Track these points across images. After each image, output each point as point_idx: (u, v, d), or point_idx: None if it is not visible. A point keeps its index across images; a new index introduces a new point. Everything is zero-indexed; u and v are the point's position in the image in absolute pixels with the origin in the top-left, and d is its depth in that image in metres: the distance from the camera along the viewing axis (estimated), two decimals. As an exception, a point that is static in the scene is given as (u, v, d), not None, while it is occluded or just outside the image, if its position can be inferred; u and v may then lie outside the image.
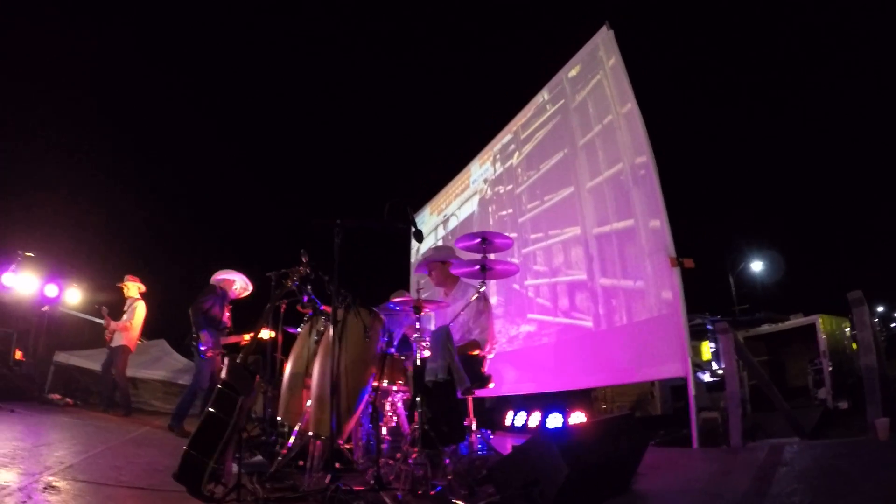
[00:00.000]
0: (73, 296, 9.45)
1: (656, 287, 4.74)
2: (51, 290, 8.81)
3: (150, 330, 10.59)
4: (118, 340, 7.60)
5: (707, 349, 8.52)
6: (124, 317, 7.70)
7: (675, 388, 6.75)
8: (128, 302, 7.81)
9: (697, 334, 8.18)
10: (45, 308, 9.29)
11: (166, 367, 9.57)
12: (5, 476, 2.91)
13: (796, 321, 7.26)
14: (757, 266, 18.80)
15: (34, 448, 4.00)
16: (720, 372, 7.25)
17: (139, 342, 8.33)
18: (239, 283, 6.20)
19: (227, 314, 6.04)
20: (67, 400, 8.32)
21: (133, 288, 7.85)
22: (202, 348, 5.66)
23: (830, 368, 6.34)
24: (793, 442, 4.07)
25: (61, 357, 9.91)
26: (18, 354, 16.09)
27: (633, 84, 5.23)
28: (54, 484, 2.85)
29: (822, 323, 6.64)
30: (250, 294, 6.35)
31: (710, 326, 8.36)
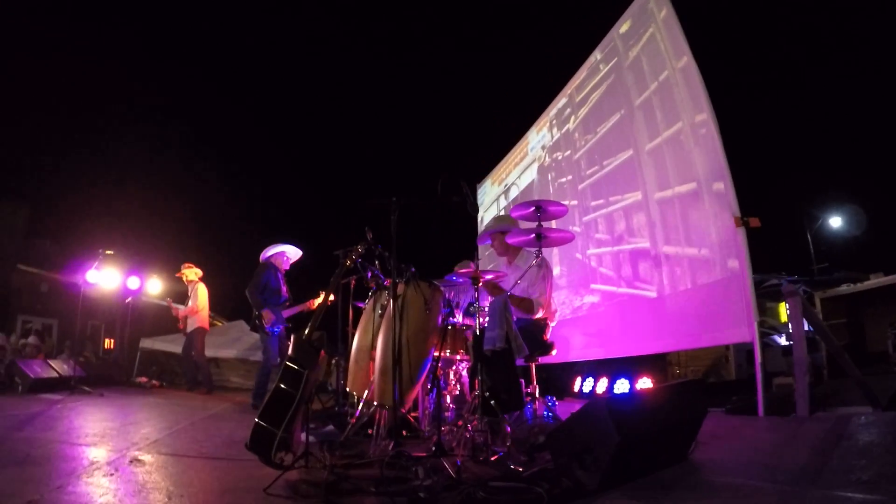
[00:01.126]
0: (155, 286, 9.99)
1: (721, 251, 4.58)
2: (133, 283, 9.37)
3: (229, 311, 11.16)
4: (192, 325, 8.10)
5: (784, 311, 8.15)
6: (189, 302, 8.19)
7: (750, 353, 6.53)
8: (189, 287, 8.29)
9: (774, 295, 7.83)
10: (129, 299, 9.85)
11: (245, 345, 9.95)
12: (95, 453, 3.16)
13: (877, 281, 6.87)
14: (836, 222, 17.67)
15: (122, 427, 4.29)
16: (799, 334, 6.95)
17: (216, 323, 8.82)
18: (288, 253, 6.29)
19: (284, 287, 6.16)
20: (154, 382, 8.92)
21: (191, 273, 8.31)
22: (267, 327, 5.83)
23: (911, 332, 5.98)
24: (863, 413, 3.89)
25: (146, 343, 10.54)
26: (108, 343, 17.37)
27: (689, 36, 5.01)
28: (140, 458, 3.07)
29: (904, 282, 6.26)
30: (301, 260, 6.46)
31: (785, 286, 7.99)
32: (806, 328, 4.53)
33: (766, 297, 7.48)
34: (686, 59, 4.95)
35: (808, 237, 16.78)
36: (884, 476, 2.38)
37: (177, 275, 8.46)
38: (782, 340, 7.46)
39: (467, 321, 4.01)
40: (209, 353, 8.68)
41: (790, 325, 4.73)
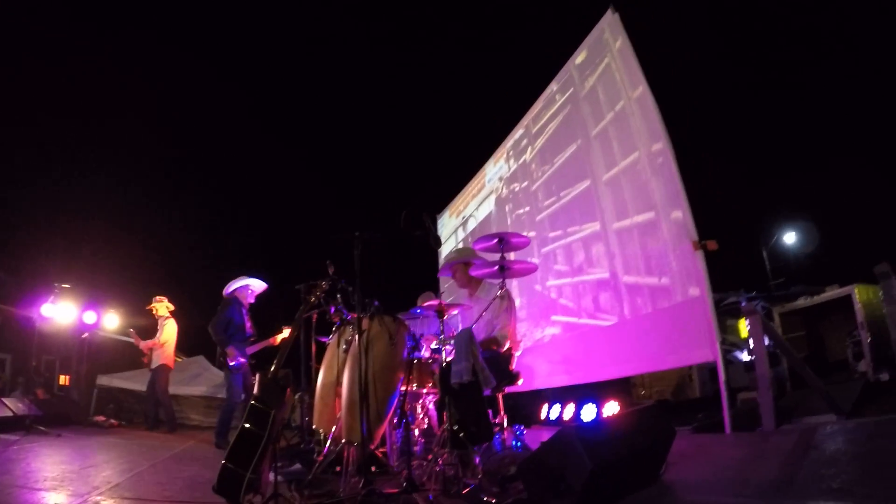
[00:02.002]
0: (112, 320, 9.73)
1: (681, 275, 4.67)
2: (89, 317, 9.10)
3: (189, 347, 10.90)
4: (156, 360, 7.87)
5: (744, 327, 8.35)
6: (156, 336, 7.95)
7: (713, 371, 6.66)
8: (159, 322, 8.05)
9: (734, 312, 8.02)
10: (85, 335, 9.56)
11: (206, 382, 9.75)
12: (55, 499, 3.04)
13: (832, 293, 7.10)
14: (790, 238, 18.30)
15: (81, 470, 4.14)
16: (759, 351, 7.14)
17: (178, 359, 8.57)
18: (252, 286, 6.17)
19: (248, 322, 6.04)
20: (112, 421, 8.57)
21: (161, 307, 8.08)
22: (231, 364, 5.71)
23: (869, 340, 6.20)
24: (827, 422, 4.01)
25: (104, 380, 10.19)
26: (63, 380, 16.69)
27: (643, 66, 5.11)
28: (102, 503, 2.97)
29: (858, 293, 6.48)
30: (265, 293, 6.33)
31: (745, 304, 8.22)
32: (767, 343, 4.65)
33: (726, 314, 7.64)
34: (641, 89, 5.05)
35: (764, 254, 17.33)
36: (854, 482, 2.45)
37: (147, 307, 8.20)
38: (744, 356, 7.63)
39: (433, 355, 4.00)
40: (169, 389, 8.41)
41: (751, 342, 4.85)
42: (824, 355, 7.14)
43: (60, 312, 8.36)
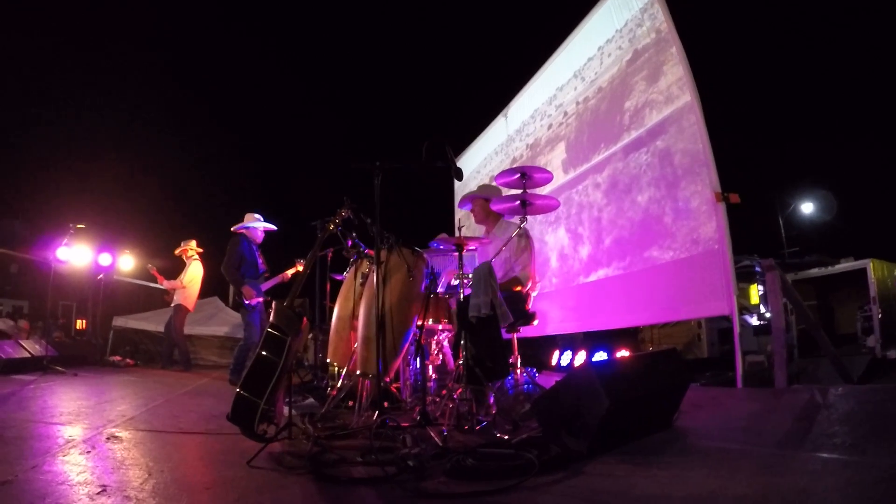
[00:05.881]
0: (127, 262, 9.80)
1: (701, 224, 4.60)
2: (104, 259, 9.17)
3: (205, 291, 11.06)
4: (176, 299, 7.95)
5: (755, 292, 8.30)
6: (180, 276, 8.02)
7: (723, 331, 6.66)
8: (187, 263, 8.11)
9: (746, 277, 7.97)
10: (101, 277, 9.65)
11: (221, 322, 9.91)
12: (71, 431, 3.07)
13: (846, 265, 7.05)
14: (807, 207, 18.03)
15: (97, 405, 4.20)
16: (768, 316, 7.10)
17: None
18: (261, 224, 6.14)
19: (260, 259, 6.04)
20: (128, 361, 8.75)
21: (190, 249, 8.13)
22: (248, 303, 5.75)
23: (880, 316, 6.15)
24: (839, 386, 3.99)
25: (119, 321, 10.37)
26: (80, 324, 17.01)
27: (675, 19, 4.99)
28: (117, 434, 3.00)
29: (872, 268, 6.42)
30: (280, 231, 6.33)
31: (758, 269, 8.13)
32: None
33: (737, 278, 7.65)
34: (666, 27, 5.00)
35: (780, 222, 17.13)
36: (866, 440, 2.43)
37: (175, 252, 8.25)
38: (753, 321, 7.61)
39: (449, 290, 3.97)
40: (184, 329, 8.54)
41: (769, 299, 4.81)
42: (833, 327, 7.11)
43: (76, 255, 8.42)
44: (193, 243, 8.22)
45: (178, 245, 8.23)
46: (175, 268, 8.24)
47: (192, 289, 8.03)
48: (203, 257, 8.25)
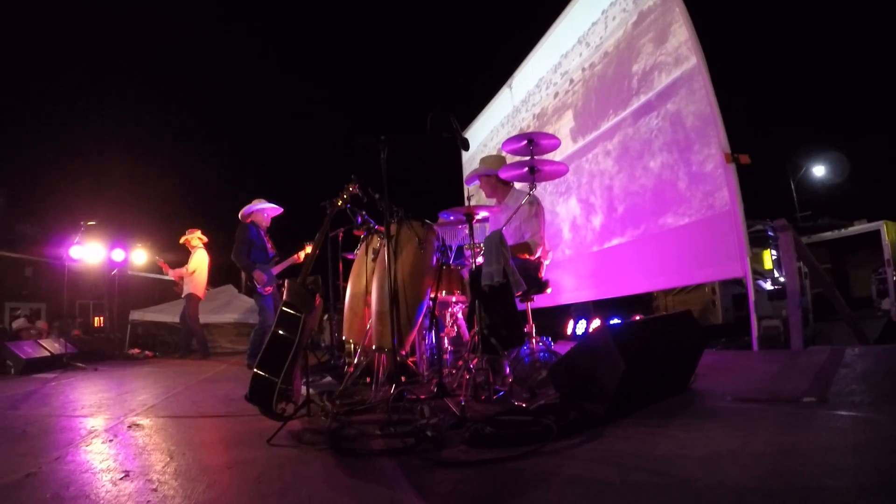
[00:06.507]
0: (140, 257, 9.88)
1: (717, 188, 4.56)
2: (117, 255, 9.21)
3: (219, 279, 11.16)
4: (187, 289, 8.05)
5: (768, 257, 8.24)
6: (186, 265, 8.12)
7: (737, 297, 6.62)
8: (192, 252, 8.20)
9: (758, 241, 7.89)
10: (115, 272, 9.73)
11: (236, 309, 9.98)
12: (93, 422, 3.11)
13: (860, 227, 6.96)
14: (819, 170, 17.77)
15: (118, 396, 4.25)
16: (782, 280, 7.05)
17: (208, 290, 8.76)
18: (266, 209, 6.13)
19: (269, 244, 6.06)
20: (147, 353, 8.85)
21: (194, 238, 8.21)
22: (260, 289, 5.76)
23: (895, 278, 6.07)
24: (855, 347, 3.96)
25: (136, 315, 10.48)
26: (98, 321, 17.23)
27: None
28: (138, 422, 3.04)
29: (886, 229, 6.32)
30: (288, 214, 6.33)
31: (770, 233, 8.06)
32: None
33: (750, 243, 7.61)
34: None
35: (792, 185, 16.92)
36: (886, 399, 2.43)
37: (180, 241, 8.33)
38: (767, 285, 7.56)
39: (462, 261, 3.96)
40: (200, 318, 8.63)
41: (783, 260, 4.77)
42: (847, 290, 7.05)
43: (89, 253, 8.49)
44: (198, 233, 8.30)
45: (187, 234, 8.31)
46: (185, 260, 8.33)
47: (199, 277, 8.13)
48: (208, 246, 8.34)
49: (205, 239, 8.30)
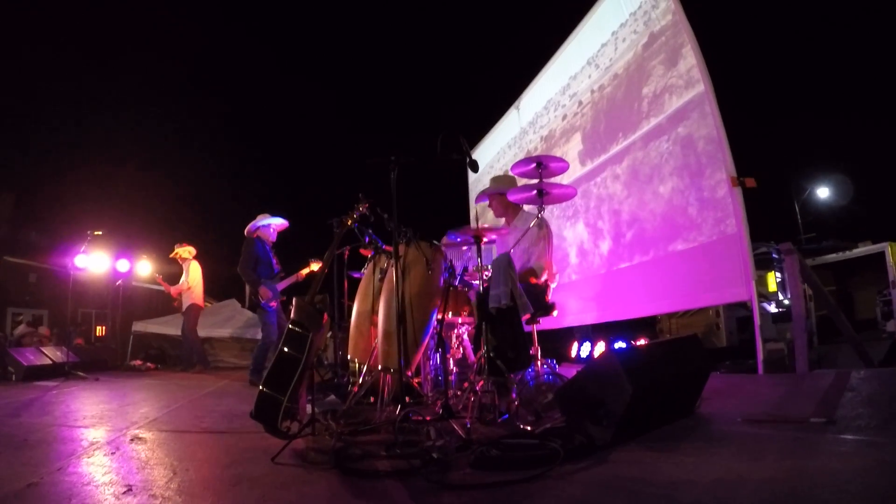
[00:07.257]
0: (144, 268, 9.91)
1: (719, 212, 4.56)
2: (122, 265, 9.29)
3: (222, 293, 11.17)
4: (186, 302, 8.12)
5: (773, 280, 8.21)
6: (181, 279, 8.17)
7: (741, 320, 6.59)
8: (184, 266, 8.29)
9: (763, 264, 7.87)
10: (119, 283, 9.79)
11: (238, 324, 9.96)
12: (94, 434, 3.10)
13: (864, 249, 6.93)
14: (823, 192, 17.78)
15: (120, 408, 4.24)
16: (786, 303, 7.02)
17: (208, 304, 8.80)
18: (273, 224, 6.13)
19: (274, 259, 6.06)
20: (149, 365, 8.85)
21: (184, 252, 8.31)
22: (265, 304, 5.75)
23: (900, 300, 6.05)
24: (861, 370, 3.95)
25: (139, 326, 10.48)
26: (100, 331, 17.22)
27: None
28: (140, 436, 3.02)
29: (891, 251, 6.31)
30: (294, 230, 6.35)
31: (775, 255, 8.05)
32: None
33: (755, 265, 7.59)
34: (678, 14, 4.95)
35: (796, 207, 16.92)
36: (890, 422, 2.42)
37: (170, 255, 8.40)
38: (771, 308, 7.53)
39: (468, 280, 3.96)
40: (202, 333, 8.66)
41: (788, 284, 4.76)
42: (852, 312, 7.00)
43: (94, 262, 8.53)
44: (188, 246, 8.41)
45: (176, 248, 8.41)
46: (180, 274, 8.43)
47: (197, 288, 8.27)
48: (200, 258, 8.48)
49: (194, 251, 8.40)
